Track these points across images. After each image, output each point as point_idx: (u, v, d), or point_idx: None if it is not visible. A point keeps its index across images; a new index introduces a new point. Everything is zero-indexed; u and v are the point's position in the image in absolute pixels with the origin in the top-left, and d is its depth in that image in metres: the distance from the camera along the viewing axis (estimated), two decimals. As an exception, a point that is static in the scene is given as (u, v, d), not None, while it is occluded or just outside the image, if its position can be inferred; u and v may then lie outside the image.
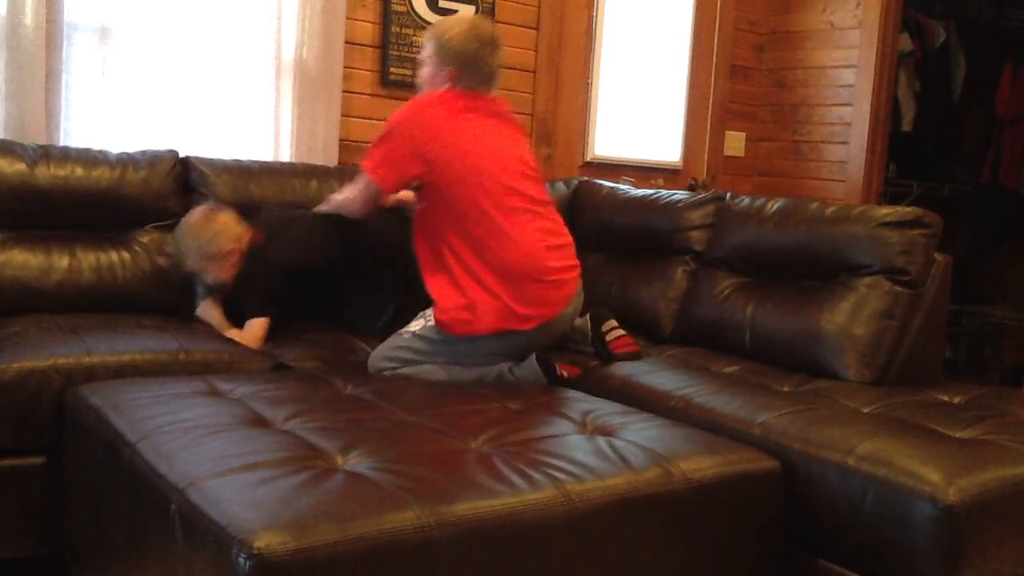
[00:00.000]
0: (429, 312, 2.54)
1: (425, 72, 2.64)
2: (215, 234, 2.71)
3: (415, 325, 2.56)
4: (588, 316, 2.71)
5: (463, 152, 2.49)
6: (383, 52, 3.69)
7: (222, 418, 1.86)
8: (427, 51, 2.62)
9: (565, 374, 2.51)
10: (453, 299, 2.47)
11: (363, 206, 2.63)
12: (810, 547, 1.98)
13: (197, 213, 2.76)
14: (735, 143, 4.86)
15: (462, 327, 2.46)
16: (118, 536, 1.79)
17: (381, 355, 2.52)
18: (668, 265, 3.14)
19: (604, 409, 2.14)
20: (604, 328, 2.66)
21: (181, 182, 2.99)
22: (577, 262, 2.62)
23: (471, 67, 2.57)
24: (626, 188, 3.60)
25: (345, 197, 2.69)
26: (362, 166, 2.56)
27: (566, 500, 1.61)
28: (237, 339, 2.58)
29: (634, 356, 2.65)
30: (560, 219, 2.64)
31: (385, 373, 2.48)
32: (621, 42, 4.43)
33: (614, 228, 3.36)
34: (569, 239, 2.63)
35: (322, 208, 2.80)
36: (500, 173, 2.51)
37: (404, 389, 2.26)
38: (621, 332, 2.68)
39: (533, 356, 2.45)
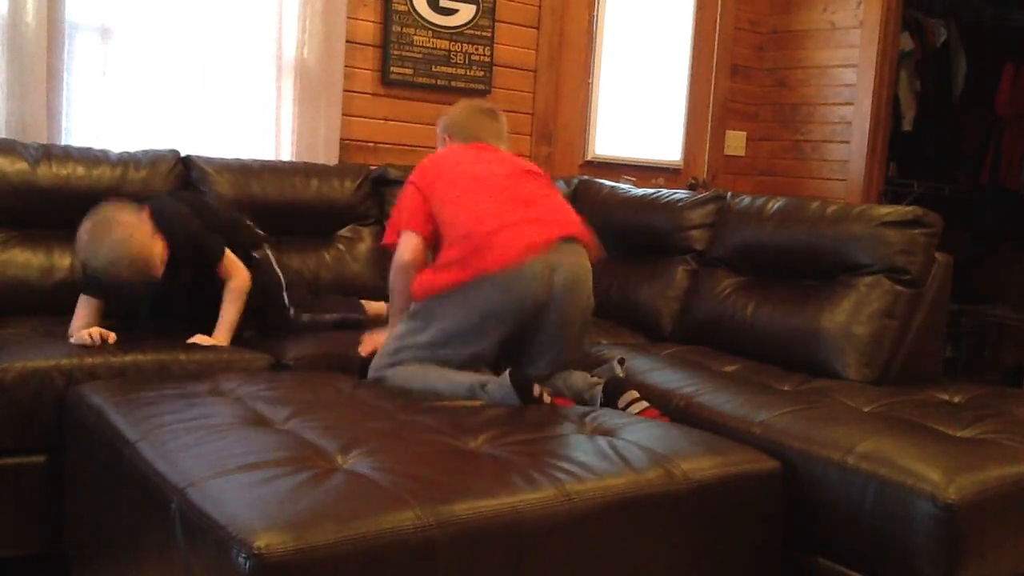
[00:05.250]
0: None
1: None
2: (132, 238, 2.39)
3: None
4: (600, 383, 2.37)
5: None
6: (384, 51, 3.69)
7: (222, 418, 1.86)
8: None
9: (547, 396, 2.22)
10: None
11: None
12: (810, 546, 1.98)
13: (99, 227, 2.39)
14: (736, 142, 4.86)
15: (425, 289, 2.38)
16: (118, 536, 1.79)
17: (379, 363, 2.43)
18: (669, 264, 3.14)
19: (604, 409, 2.14)
20: (621, 402, 2.27)
21: (182, 181, 2.99)
22: (551, 236, 2.40)
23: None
24: (627, 187, 3.61)
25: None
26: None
27: (566, 500, 1.61)
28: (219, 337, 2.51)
29: None
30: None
31: (386, 373, 2.40)
32: (622, 41, 4.43)
33: (615, 227, 3.36)
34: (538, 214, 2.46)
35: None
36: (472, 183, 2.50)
37: (405, 389, 2.26)
38: (644, 404, 2.25)
39: (507, 373, 2.21)
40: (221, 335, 2.52)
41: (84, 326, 2.40)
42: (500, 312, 2.32)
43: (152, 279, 2.42)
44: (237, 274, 2.58)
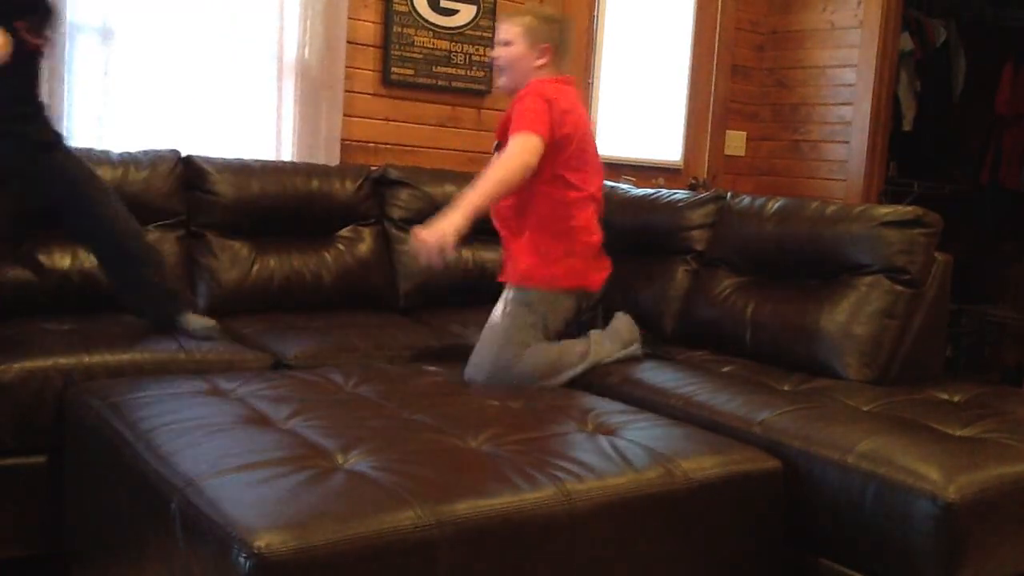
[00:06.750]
0: (505, 295, 2.60)
1: (514, 50, 2.64)
2: None
3: (499, 308, 2.58)
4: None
5: (584, 135, 2.68)
6: (385, 52, 3.69)
7: (222, 417, 1.86)
8: (515, 31, 2.65)
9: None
10: (534, 259, 2.60)
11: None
12: (810, 546, 1.98)
13: None
14: (736, 142, 4.86)
15: (548, 282, 2.58)
16: (118, 536, 1.80)
17: (500, 356, 2.47)
18: (669, 264, 3.14)
19: (605, 408, 2.15)
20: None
21: (183, 181, 2.99)
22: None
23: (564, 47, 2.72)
24: (627, 187, 3.61)
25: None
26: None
27: (567, 499, 1.61)
28: None
29: None
30: None
31: (516, 366, 2.47)
32: (622, 41, 4.43)
33: (615, 228, 3.34)
34: None
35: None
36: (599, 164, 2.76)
37: (405, 387, 2.27)
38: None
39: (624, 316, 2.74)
40: None
41: None
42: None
43: None
44: None
